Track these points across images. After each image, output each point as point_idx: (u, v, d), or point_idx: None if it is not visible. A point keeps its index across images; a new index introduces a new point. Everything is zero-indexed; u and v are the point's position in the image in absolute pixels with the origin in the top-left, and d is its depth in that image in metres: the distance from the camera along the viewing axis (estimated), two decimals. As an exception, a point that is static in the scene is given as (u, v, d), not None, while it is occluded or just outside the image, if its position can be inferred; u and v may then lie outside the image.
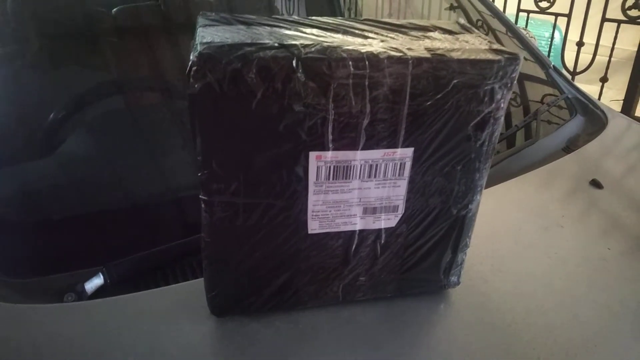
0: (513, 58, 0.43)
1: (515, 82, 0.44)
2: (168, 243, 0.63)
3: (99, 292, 0.59)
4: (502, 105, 0.45)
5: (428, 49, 0.43)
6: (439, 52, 0.43)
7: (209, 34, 0.42)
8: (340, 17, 0.50)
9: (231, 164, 0.43)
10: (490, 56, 0.43)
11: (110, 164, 0.76)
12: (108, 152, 0.78)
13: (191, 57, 0.38)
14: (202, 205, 0.45)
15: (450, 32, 0.49)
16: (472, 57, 0.43)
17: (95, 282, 0.59)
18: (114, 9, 1.00)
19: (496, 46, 0.45)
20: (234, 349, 0.51)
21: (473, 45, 0.45)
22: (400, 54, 0.42)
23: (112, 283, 0.59)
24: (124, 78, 0.91)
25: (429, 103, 0.43)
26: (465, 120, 0.45)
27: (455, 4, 1.37)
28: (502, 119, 0.47)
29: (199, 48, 0.39)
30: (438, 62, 0.42)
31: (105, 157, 0.77)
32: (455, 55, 0.43)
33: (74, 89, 0.83)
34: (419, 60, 0.42)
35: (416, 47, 0.44)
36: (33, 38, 0.88)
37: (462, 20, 0.52)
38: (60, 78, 0.86)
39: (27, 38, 0.88)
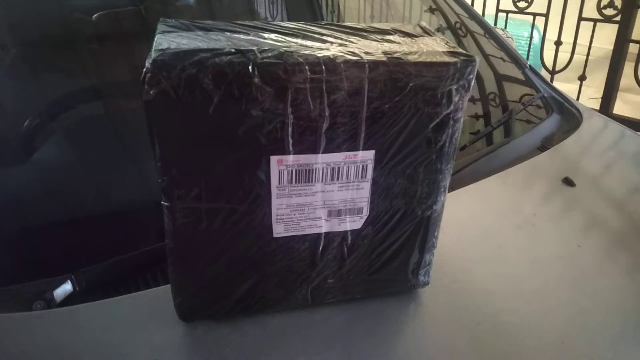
0: (469, 60, 0.44)
1: (472, 83, 0.45)
2: (139, 249, 0.63)
3: (68, 300, 0.58)
4: (460, 106, 0.46)
5: (385, 53, 0.44)
6: (395, 55, 0.43)
7: (166, 41, 0.42)
8: (302, 22, 0.50)
9: (191, 169, 0.43)
10: (447, 58, 0.44)
11: (82, 172, 0.76)
12: (80, 160, 0.78)
13: (146, 64, 0.38)
14: (165, 212, 0.45)
15: (409, 35, 0.49)
16: (428, 59, 0.43)
17: (64, 290, 0.58)
18: (95, 15, 1.00)
19: (453, 48, 0.46)
20: (203, 354, 0.51)
21: (431, 47, 0.46)
22: (357, 58, 0.42)
23: (81, 290, 0.58)
24: (104, 84, 0.90)
25: (387, 106, 0.44)
26: (425, 122, 0.46)
27: (434, 7, 1.38)
28: (462, 120, 0.47)
29: (153, 55, 0.39)
30: (394, 66, 0.42)
31: (76, 164, 0.76)
32: (411, 58, 0.43)
33: (52, 96, 0.83)
34: (375, 64, 0.42)
35: (374, 50, 0.44)
36: (12, 44, 0.87)
37: (424, 23, 0.53)
38: (39, 84, 0.85)
39: (6, 44, 0.87)
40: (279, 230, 0.49)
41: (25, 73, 0.86)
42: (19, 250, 0.65)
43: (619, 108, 2.35)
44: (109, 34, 0.99)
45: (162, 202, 0.45)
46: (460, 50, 0.46)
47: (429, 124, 0.46)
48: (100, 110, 0.87)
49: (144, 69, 0.38)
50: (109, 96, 0.90)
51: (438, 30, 1.33)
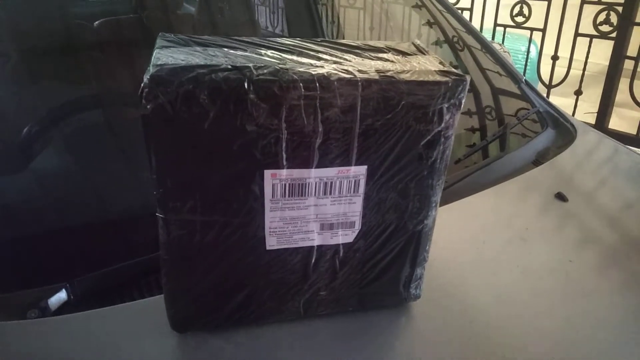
0: (460, 79, 0.45)
1: (463, 102, 0.46)
2: (134, 259, 0.63)
3: (63, 309, 0.59)
4: (451, 124, 0.47)
5: (378, 71, 0.45)
6: (388, 73, 0.44)
7: (164, 56, 0.43)
8: (298, 39, 0.52)
9: (186, 182, 0.44)
10: (438, 77, 0.45)
11: (80, 180, 0.76)
12: (79, 168, 0.79)
13: (144, 79, 0.39)
14: (159, 223, 0.46)
15: (403, 54, 0.50)
16: (420, 78, 0.44)
17: (59, 298, 0.59)
18: (96, 22, 1.01)
19: (446, 67, 0.47)
20: (196, 364, 0.52)
21: (423, 66, 0.47)
22: (351, 76, 0.43)
23: (76, 299, 0.59)
24: (104, 91, 0.91)
25: (379, 123, 0.45)
26: (416, 139, 0.47)
27: (432, 21, 1.40)
28: (453, 137, 0.48)
29: (151, 70, 0.40)
30: (387, 84, 0.44)
31: (75, 173, 0.77)
32: (404, 76, 0.44)
33: (53, 103, 0.84)
34: (368, 82, 0.43)
35: (367, 68, 0.45)
36: (12, 51, 0.88)
37: (418, 41, 0.54)
38: (39, 91, 0.86)
39: (7, 51, 0.88)
40: (272, 242, 0.49)
41: (26, 80, 0.87)
42: (14, 258, 0.65)
43: (614, 123, 2.37)
44: (110, 41, 1.00)
45: (157, 214, 0.45)
46: (452, 69, 0.47)
47: (420, 141, 0.47)
48: (100, 118, 0.88)
49: (142, 84, 0.39)
50: (108, 104, 0.91)
51: (436, 43, 1.35)
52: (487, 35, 1.77)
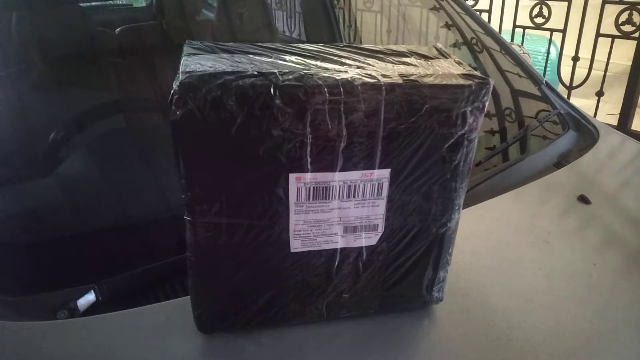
0: (484, 83, 0.45)
1: (487, 105, 0.46)
2: (161, 261, 0.65)
3: (92, 309, 0.60)
4: (475, 127, 0.47)
5: (401, 75, 0.45)
6: (412, 78, 0.45)
7: (192, 63, 0.44)
8: (321, 44, 0.52)
9: (213, 186, 0.45)
10: (462, 81, 0.45)
11: (106, 184, 0.78)
12: (104, 172, 0.80)
13: (173, 86, 0.40)
14: (187, 226, 0.47)
15: (425, 57, 0.51)
16: (444, 82, 0.45)
17: (87, 299, 0.60)
18: (117, 29, 1.03)
19: (468, 71, 0.47)
20: (221, 365, 0.53)
21: (446, 70, 0.47)
22: (374, 81, 0.44)
23: (104, 300, 0.60)
24: (126, 98, 0.93)
25: (403, 126, 0.45)
26: (440, 142, 0.47)
27: (450, 23, 1.40)
28: (476, 140, 0.48)
29: (180, 77, 0.41)
30: (410, 88, 0.44)
31: (101, 177, 0.79)
32: (427, 80, 0.45)
33: (77, 109, 0.86)
34: (391, 86, 0.44)
35: (390, 73, 0.46)
36: (36, 58, 0.91)
37: (439, 44, 0.54)
38: (64, 98, 0.88)
39: (31, 59, 0.91)
40: (296, 245, 0.50)
41: (50, 86, 0.89)
42: (44, 260, 0.67)
43: (638, 124, 2.33)
44: (131, 47, 1.02)
45: (184, 217, 0.46)
46: (475, 72, 0.47)
47: (443, 144, 0.47)
48: (122, 123, 0.90)
49: (172, 91, 0.40)
50: (131, 109, 0.93)
51: (454, 45, 1.34)
52: (506, 37, 1.75)
